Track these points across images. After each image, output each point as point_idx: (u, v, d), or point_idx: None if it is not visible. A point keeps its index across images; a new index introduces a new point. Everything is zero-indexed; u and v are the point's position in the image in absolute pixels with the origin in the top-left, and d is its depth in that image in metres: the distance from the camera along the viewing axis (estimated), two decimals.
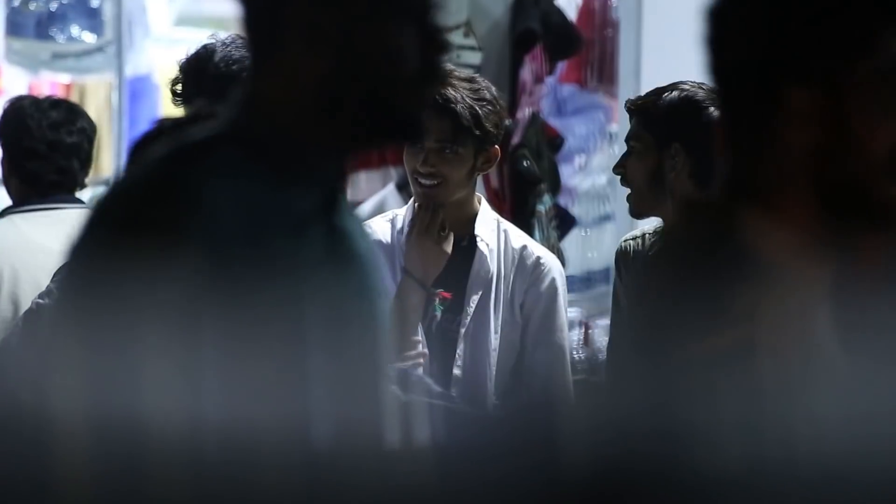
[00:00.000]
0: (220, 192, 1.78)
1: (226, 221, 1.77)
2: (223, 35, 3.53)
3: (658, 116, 3.54)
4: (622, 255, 3.74)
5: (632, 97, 3.72)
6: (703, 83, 3.60)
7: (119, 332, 1.76)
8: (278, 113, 1.87)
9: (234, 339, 1.78)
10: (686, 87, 3.57)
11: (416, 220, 3.66)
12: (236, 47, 3.45)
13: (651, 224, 3.76)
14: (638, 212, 3.63)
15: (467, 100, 3.61)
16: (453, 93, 3.60)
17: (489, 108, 3.64)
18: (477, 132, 3.61)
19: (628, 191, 3.62)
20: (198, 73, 3.46)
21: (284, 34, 1.87)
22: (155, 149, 1.84)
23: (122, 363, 1.78)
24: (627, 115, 3.68)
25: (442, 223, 3.64)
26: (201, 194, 1.77)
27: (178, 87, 3.49)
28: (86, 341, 1.79)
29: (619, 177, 3.65)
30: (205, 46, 3.49)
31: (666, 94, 3.56)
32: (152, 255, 1.74)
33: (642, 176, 3.55)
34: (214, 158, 1.82)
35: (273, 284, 1.80)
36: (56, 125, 4.27)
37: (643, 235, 3.74)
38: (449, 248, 3.65)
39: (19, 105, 4.30)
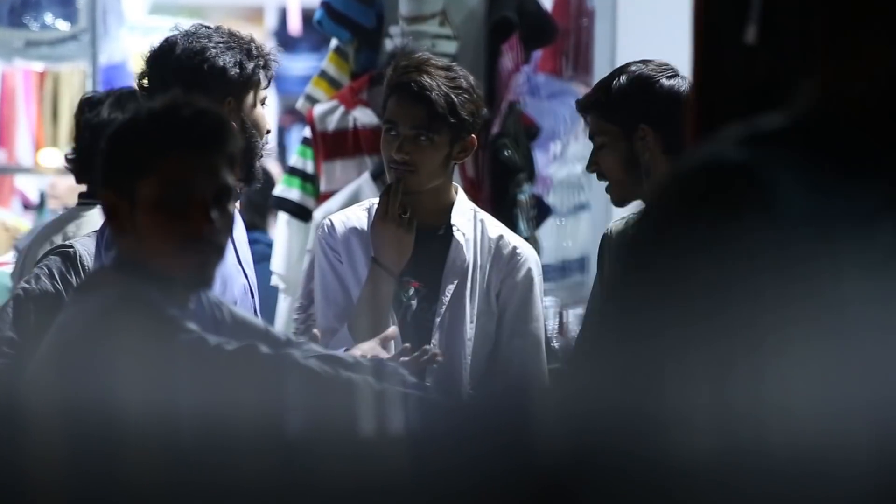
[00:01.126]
0: (792, 185, 1.75)
1: (798, 215, 1.73)
2: (185, 26, 3.53)
3: (614, 103, 3.53)
4: (606, 239, 3.75)
5: (578, 97, 3.72)
6: (647, 60, 3.61)
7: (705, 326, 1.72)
8: (851, 107, 1.83)
9: (806, 336, 1.74)
10: (632, 67, 3.58)
11: (380, 207, 3.66)
12: (198, 38, 3.45)
13: (634, 208, 3.76)
14: (621, 201, 3.63)
15: (443, 87, 3.60)
16: (429, 80, 3.60)
17: (465, 96, 3.63)
18: (452, 120, 3.60)
19: (606, 183, 3.61)
20: (162, 66, 3.45)
21: (860, 27, 1.83)
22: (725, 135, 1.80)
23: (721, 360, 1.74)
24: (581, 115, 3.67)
25: (403, 207, 3.64)
26: (775, 186, 1.74)
27: (145, 80, 3.49)
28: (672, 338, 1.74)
29: (595, 174, 3.64)
30: (167, 39, 3.49)
31: (614, 81, 3.56)
32: (732, 241, 1.70)
33: (618, 166, 3.55)
34: (786, 149, 1.79)
35: (842, 283, 1.76)
36: None
37: (627, 220, 3.74)
38: (413, 232, 3.64)
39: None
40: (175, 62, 3.43)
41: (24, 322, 3.36)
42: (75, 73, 8.33)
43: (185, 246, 2.55)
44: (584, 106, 3.62)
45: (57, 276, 3.42)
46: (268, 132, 3.53)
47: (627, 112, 3.52)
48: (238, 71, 3.44)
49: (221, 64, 3.42)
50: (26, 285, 3.42)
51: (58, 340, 2.53)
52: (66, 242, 3.55)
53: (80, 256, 3.45)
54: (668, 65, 3.58)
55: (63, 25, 6.66)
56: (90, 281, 2.75)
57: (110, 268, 2.65)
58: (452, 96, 3.61)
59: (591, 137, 3.60)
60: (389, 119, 3.65)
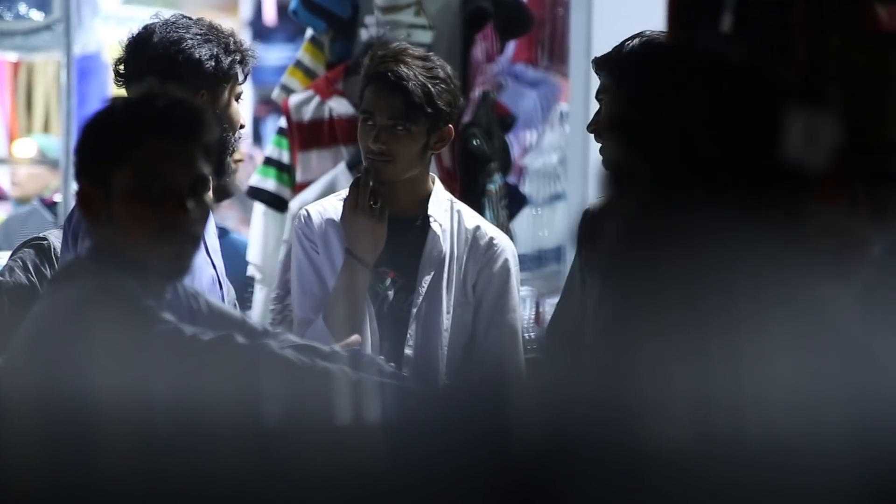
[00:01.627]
0: None
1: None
2: (165, 15, 3.52)
3: (622, 64, 3.53)
4: (588, 217, 3.75)
5: (597, 56, 3.72)
6: (664, 31, 3.61)
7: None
8: None
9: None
10: (647, 34, 3.59)
11: (349, 197, 3.65)
12: (176, 28, 3.44)
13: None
14: (610, 163, 3.61)
15: (420, 77, 3.60)
16: (406, 70, 3.60)
17: (443, 86, 3.63)
18: (429, 110, 3.60)
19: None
20: (138, 54, 3.44)
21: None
22: None
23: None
24: (596, 74, 3.67)
25: (374, 197, 3.64)
26: None
27: (121, 67, 3.47)
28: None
29: (593, 134, 3.63)
30: (145, 27, 3.47)
31: (627, 42, 3.57)
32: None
33: None
34: None
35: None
36: None
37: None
38: (385, 222, 3.64)
39: None
40: (151, 51, 3.41)
41: None
42: (49, 63, 8.30)
43: (160, 236, 2.54)
44: (599, 62, 3.62)
45: (31, 268, 3.42)
46: (241, 127, 3.51)
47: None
48: (213, 64, 3.42)
49: (197, 56, 3.41)
50: (0, 278, 3.41)
51: (33, 331, 2.52)
52: (40, 235, 3.54)
53: (53, 249, 3.44)
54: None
55: (37, 15, 6.63)
56: (65, 271, 2.74)
57: (85, 258, 2.65)
58: (429, 86, 3.61)
59: (596, 94, 3.62)
60: (366, 109, 3.65)
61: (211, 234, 3.54)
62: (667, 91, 1.91)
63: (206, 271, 3.44)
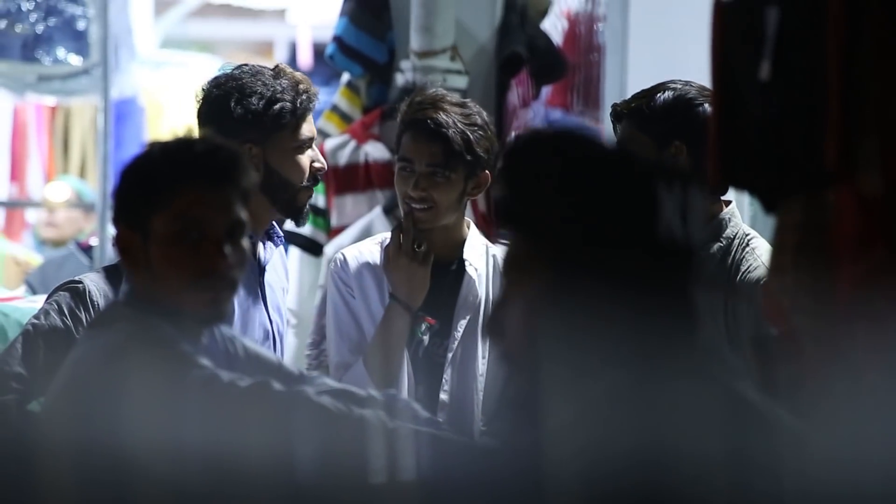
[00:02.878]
0: None
1: None
2: (232, 64, 3.53)
3: (655, 116, 3.53)
4: None
5: (616, 102, 3.71)
6: (689, 81, 3.62)
7: None
8: None
9: None
10: (676, 85, 3.58)
11: (392, 242, 3.65)
12: (251, 75, 3.44)
13: None
14: None
15: (459, 125, 3.61)
16: (445, 117, 3.60)
17: (480, 133, 3.64)
18: (468, 157, 3.61)
19: None
20: (212, 102, 3.45)
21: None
22: None
23: None
24: (611, 121, 3.67)
25: (417, 241, 3.64)
26: None
27: (198, 115, 3.48)
28: None
29: None
30: (216, 77, 3.49)
31: (658, 94, 3.56)
32: None
33: None
34: None
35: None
36: None
37: None
38: (428, 266, 3.64)
39: None
40: (225, 99, 3.43)
41: (33, 358, 3.35)
42: (87, 107, 8.36)
43: (197, 281, 2.55)
44: (619, 113, 3.62)
45: (66, 311, 3.42)
46: (319, 170, 3.52)
47: (667, 126, 3.52)
48: (288, 109, 3.44)
49: (247, 109, 3.42)
50: (35, 321, 3.42)
51: (71, 377, 2.52)
52: (76, 278, 3.54)
53: (89, 292, 3.44)
54: (708, 90, 3.60)
55: (75, 60, 6.68)
56: (103, 316, 2.74)
57: (123, 303, 2.65)
58: (468, 133, 3.61)
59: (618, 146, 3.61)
60: (404, 156, 3.64)
61: (276, 289, 3.56)
62: (542, 179, 1.94)
63: (260, 322, 3.46)
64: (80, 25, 6.82)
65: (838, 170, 1.97)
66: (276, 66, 3.54)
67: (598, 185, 1.92)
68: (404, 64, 5.17)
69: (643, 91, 3.64)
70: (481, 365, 3.65)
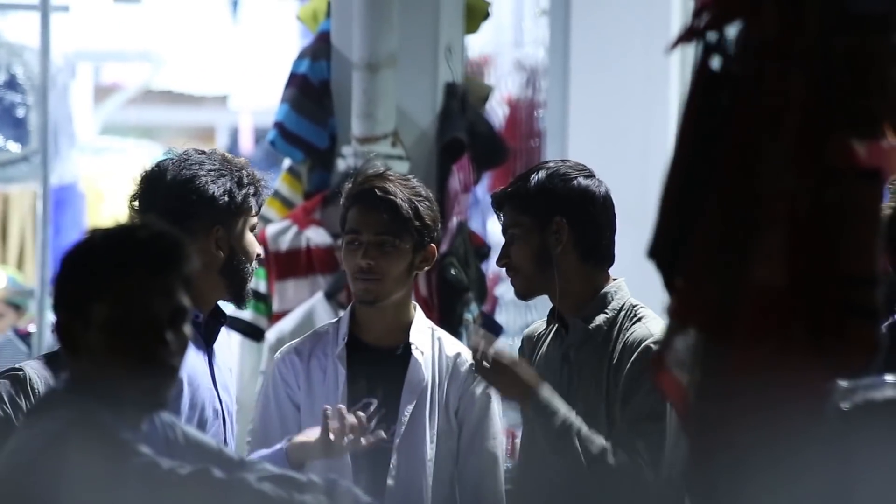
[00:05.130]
0: None
1: None
2: (177, 150, 3.54)
3: (532, 197, 3.58)
4: (527, 340, 3.78)
5: (495, 190, 3.77)
6: (565, 159, 3.68)
7: None
8: None
9: None
10: (550, 164, 3.65)
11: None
12: (189, 165, 3.46)
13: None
14: (525, 294, 3.66)
15: (406, 193, 3.63)
16: (392, 186, 3.62)
17: (426, 203, 3.67)
18: (417, 224, 3.62)
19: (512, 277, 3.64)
20: (151, 191, 3.46)
21: None
22: None
23: None
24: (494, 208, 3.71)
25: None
26: None
27: (135, 203, 3.49)
28: None
29: (504, 268, 3.67)
30: (158, 164, 3.50)
31: (533, 174, 3.61)
32: None
33: (528, 258, 3.59)
34: None
35: None
36: None
37: (536, 324, 3.78)
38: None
39: None
40: (165, 189, 3.43)
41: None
42: (26, 194, 8.32)
43: (138, 368, 2.53)
44: (499, 199, 3.65)
45: (6, 399, 3.39)
46: (258, 257, 3.54)
47: (544, 204, 3.57)
48: (227, 199, 3.44)
49: (211, 192, 3.43)
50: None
51: (9, 464, 2.50)
52: (16, 366, 3.52)
53: (29, 380, 3.42)
54: (584, 166, 3.67)
55: (14, 147, 6.67)
56: (42, 403, 2.72)
57: (62, 390, 2.63)
58: (415, 202, 3.64)
59: (504, 231, 3.64)
60: (352, 228, 3.65)
61: (223, 369, 3.55)
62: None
63: (210, 402, 3.45)
64: (20, 113, 6.82)
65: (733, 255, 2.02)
66: (217, 152, 3.55)
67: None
68: (345, 149, 5.20)
69: (521, 174, 3.70)
70: (430, 450, 3.63)
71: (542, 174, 3.61)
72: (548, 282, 3.59)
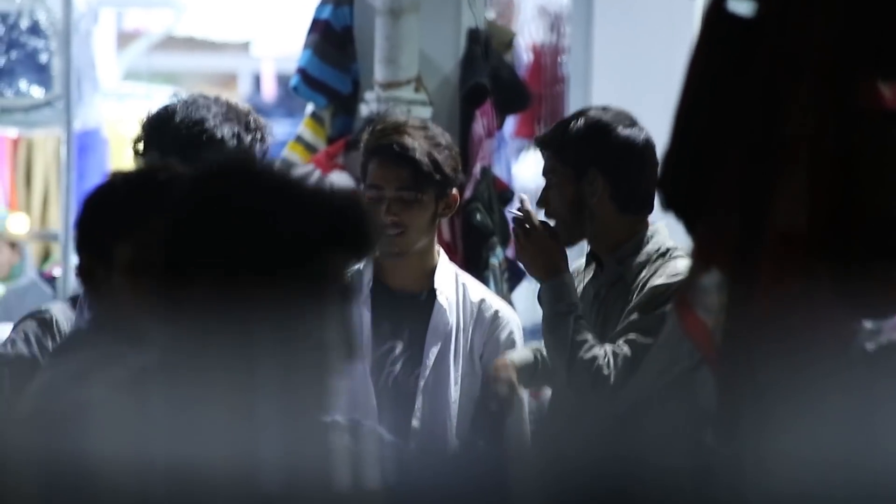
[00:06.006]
0: None
1: None
2: (183, 94, 3.53)
3: (568, 146, 3.57)
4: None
5: (539, 133, 3.76)
6: (606, 107, 3.65)
7: None
8: None
9: None
10: (591, 112, 3.62)
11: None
12: (197, 107, 3.45)
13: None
14: (566, 240, 3.65)
15: (425, 146, 3.62)
16: (411, 141, 3.61)
17: (446, 152, 3.66)
18: (437, 177, 3.62)
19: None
20: (159, 132, 3.45)
21: None
22: None
23: None
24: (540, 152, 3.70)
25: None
26: None
27: (140, 145, 3.49)
28: None
29: (543, 210, 3.67)
30: (166, 106, 3.49)
31: (572, 123, 3.59)
32: None
33: (564, 205, 3.58)
34: None
35: None
36: None
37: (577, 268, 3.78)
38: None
39: None
40: (173, 130, 3.43)
41: None
42: (49, 139, 8.34)
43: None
44: (541, 142, 3.64)
45: (33, 340, 3.41)
46: None
47: (580, 155, 3.56)
48: (235, 143, 3.44)
49: (220, 135, 3.42)
50: (1, 350, 3.41)
51: (34, 405, 2.51)
52: (42, 307, 3.54)
53: (56, 321, 3.43)
54: (626, 113, 3.63)
55: (37, 92, 6.68)
56: (66, 344, 2.74)
57: (86, 330, 2.65)
58: (435, 154, 3.63)
59: (543, 174, 3.63)
60: (373, 183, 3.65)
61: None
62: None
63: None
64: (43, 58, 6.82)
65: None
66: (219, 97, 3.53)
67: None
68: (368, 95, 5.19)
69: (563, 119, 3.68)
70: (454, 392, 3.65)
71: (581, 123, 3.58)
72: (585, 229, 3.58)
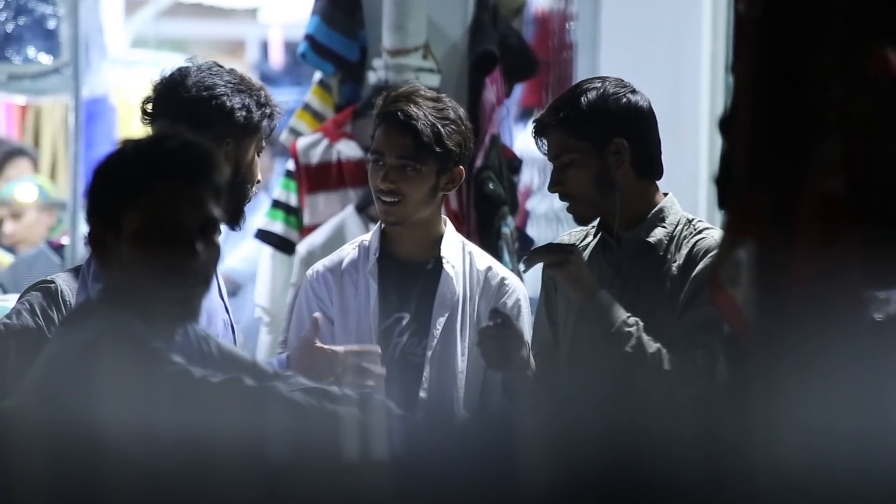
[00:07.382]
0: None
1: None
2: (199, 60, 3.52)
3: (586, 121, 3.53)
4: None
5: (538, 117, 3.70)
6: (602, 77, 3.62)
7: None
8: None
9: None
10: (595, 83, 3.58)
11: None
12: (210, 74, 3.44)
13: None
14: (585, 218, 3.62)
15: (430, 117, 3.61)
16: (416, 110, 3.60)
17: (453, 127, 3.64)
18: (438, 150, 3.61)
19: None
20: (169, 94, 3.44)
21: None
22: None
23: None
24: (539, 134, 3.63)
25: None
26: None
27: (149, 106, 3.48)
28: None
29: (557, 194, 3.62)
30: (179, 69, 3.48)
31: (580, 97, 3.55)
32: None
33: (587, 183, 3.53)
34: None
35: None
36: None
37: (571, 234, 3.75)
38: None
39: None
40: (185, 93, 3.42)
41: (3, 358, 3.34)
42: (57, 106, 8.32)
43: (170, 278, 2.54)
44: (545, 126, 3.59)
45: (38, 311, 3.41)
46: (258, 182, 3.51)
47: (600, 126, 3.52)
48: (244, 114, 3.42)
49: (230, 105, 3.41)
50: (7, 321, 3.41)
51: (43, 374, 2.51)
52: (48, 277, 3.53)
53: (61, 292, 3.43)
54: (625, 81, 3.62)
55: (45, 59, 6.66)
56: (75, 314, 2.74)
57: (95, 300, 2.65)
58: (439, 126, 3.61)
59: (555, 157, 3.58)
60: (376, 149, 3.65)
61: (221, 281, 3.54)
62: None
63: (220, 315, 3.44)
64: (51, 24, 6.80)
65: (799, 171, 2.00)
66: (233, 69, 3.52)
67: None
68: (376, 62, 5.17)
69: (562, 99, 3.62)
70: (461, 362, 3.65)
71: (591, 95, 3.54)
72: (609, 204, 3.55)
